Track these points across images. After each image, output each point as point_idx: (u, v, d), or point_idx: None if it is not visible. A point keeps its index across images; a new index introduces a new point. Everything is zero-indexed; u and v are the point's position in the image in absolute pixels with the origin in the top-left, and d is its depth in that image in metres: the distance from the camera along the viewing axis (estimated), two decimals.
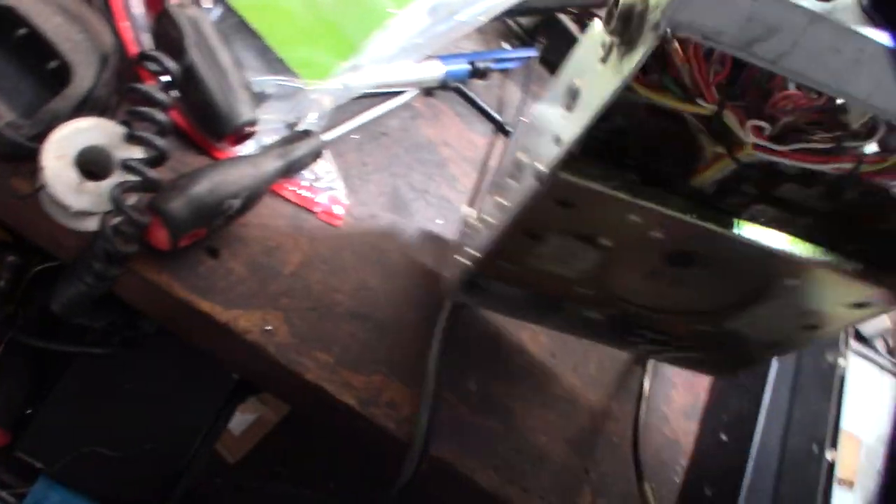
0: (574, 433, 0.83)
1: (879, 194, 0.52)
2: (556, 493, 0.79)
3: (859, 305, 0.58)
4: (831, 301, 0.58)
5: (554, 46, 1.00)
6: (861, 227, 0.54)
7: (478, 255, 0.63)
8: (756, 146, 0.48)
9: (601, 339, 0.78)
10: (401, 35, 0.80)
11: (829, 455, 0.85)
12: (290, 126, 0.80)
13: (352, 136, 0.86)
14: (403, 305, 0.80)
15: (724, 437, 0.87)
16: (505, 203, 0.59)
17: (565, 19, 1.01)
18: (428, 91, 0.92)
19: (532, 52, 0.99)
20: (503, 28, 1.04)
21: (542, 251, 0.59)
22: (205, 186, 0.64)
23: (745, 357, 0.74)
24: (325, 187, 0.81)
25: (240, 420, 1.12)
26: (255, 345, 0.70)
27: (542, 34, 1.01)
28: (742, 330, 0.66)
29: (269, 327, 0.72)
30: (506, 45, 1.02)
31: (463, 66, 0.90)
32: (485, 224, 0.65)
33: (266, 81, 0.78)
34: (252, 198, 0.70)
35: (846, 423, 0.87)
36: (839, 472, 0.85)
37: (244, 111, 0.72)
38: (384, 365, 0.76)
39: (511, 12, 0.96)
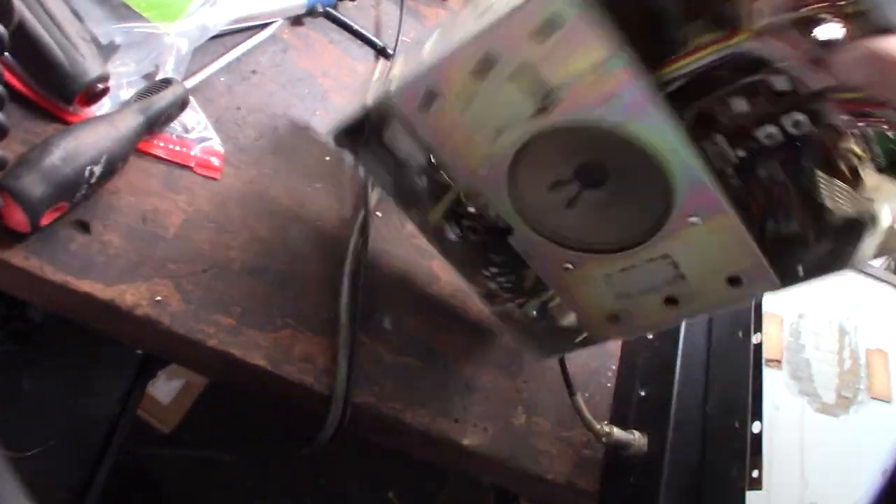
0: (499, 356, 0.87)
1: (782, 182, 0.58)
2: (489, 418, 0.84)
3: (732, 281, 0.62)
4: (708, 267, 0.62)
5: None
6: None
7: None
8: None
9: (450, 259, 0.78)
10: None
11: (754, 339, 0.91)
12: (148, 76, 0.80)
13: (220, 79, 0.85)
14: (302, 252, 0.82)
15: (650, 336, 0.93)
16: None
17: None
18: (296, 20, 0.92)
19: None
20: None
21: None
22: (58, 155, 0.63)
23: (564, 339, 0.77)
24: (198, 138, 0.82)
25: (167, 388, 1.13)
26: (148, 319, 0.71)
27: None
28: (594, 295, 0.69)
29: (159, 298, 0.73)
30: None
31: None
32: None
33: (112, 30, 0.77)
34: (115, 161, 0.69)
35: (767, 304, 0.93)
36: (766, 353, 0.91)
37: (91, 67, 0.71)
38: (291, 318, 0.78)
39: None
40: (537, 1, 0.52)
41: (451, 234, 0.75)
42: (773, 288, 0.62)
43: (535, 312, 0.77)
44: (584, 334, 0.74)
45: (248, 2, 0.83)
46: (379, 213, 0.88)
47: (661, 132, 0.55)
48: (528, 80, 0.56)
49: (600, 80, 0.54)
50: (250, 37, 0.87)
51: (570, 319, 0.75)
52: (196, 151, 0.80)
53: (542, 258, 0.68)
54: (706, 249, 0.61)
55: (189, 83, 0.79)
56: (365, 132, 0.70)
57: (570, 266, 0.67)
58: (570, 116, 0.57)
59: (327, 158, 0.88)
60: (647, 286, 0.65)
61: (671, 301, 0.66)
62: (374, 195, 0.86)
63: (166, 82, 0.77)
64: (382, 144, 0.72)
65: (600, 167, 0.61)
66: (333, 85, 0.92)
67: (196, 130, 0.81)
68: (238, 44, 0.86)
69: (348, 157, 0.80)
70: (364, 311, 0.81)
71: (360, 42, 0.97)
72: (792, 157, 0.58)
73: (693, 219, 0.59)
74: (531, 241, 0.67)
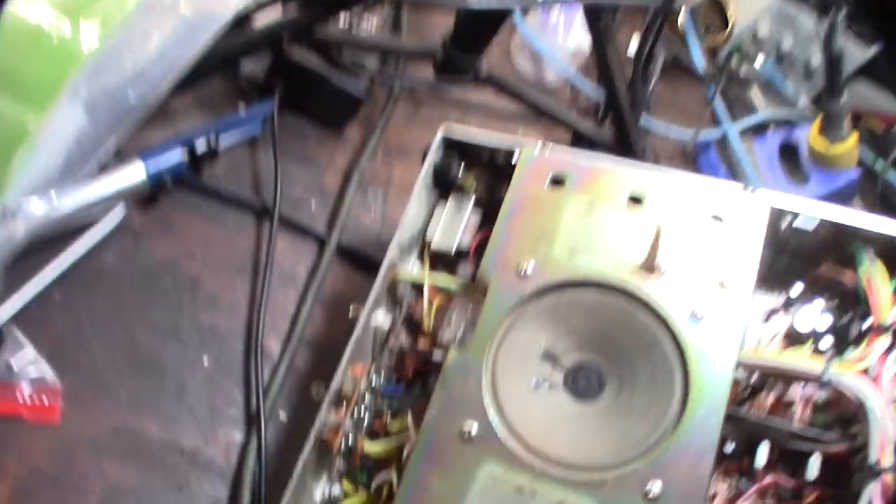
0: None
1: None
2: None
3: None
4: None
5: (291, 85, 0.89)
6: None
7: None
8: None
9: None
10: (57, 147, 0.68)
11: None
12: None
13: (52, 295, 0.73)
14: (173, 500, 0.69)
15: None
16: None
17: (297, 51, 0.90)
18: (146, 200, 0.79)
19: (268, 106, 0.88)
20: (232, 87, 0.92)
21: None
22: None
23: None
24: (25, 377, 0.69)
25: None
26: None
27: (276, 76, 0.90)
28: None
29: None
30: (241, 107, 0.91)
31: (173, 159, 0.78)
32: None
33: None
34: None
35: None
36: None
37: None
38: None
39: (228, 63, 0.85)
40: None
41: None
42: None
43: None
44: None
45: (65, 198, 0.72)
46: (283, 418, 0.74)
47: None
48: None
49: None
50: (86, 233, 0.75)
51: None
52: (25, 394, 0.67)
53: None
54: None
55: (5, 314, 0.67)
56: None
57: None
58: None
59: (205, 361, 0.75)
60: None
61: None
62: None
63: None
64: None
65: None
66: (203, 268, 0.81)
67: (21, 366, 0.69)
68: (71, 247, 0.74)
69: None
70: None
71: (233, 206, 0.85)
72: None
73: (653, 487, 0.54)
74: None
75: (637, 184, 0.67)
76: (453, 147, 0.75)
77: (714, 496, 0.59)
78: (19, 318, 0.73)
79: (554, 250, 0.65)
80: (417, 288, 0.72)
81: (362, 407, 0.66)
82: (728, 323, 0.59)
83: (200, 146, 0.84)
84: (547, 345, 0.63)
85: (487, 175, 0.75)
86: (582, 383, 0.61)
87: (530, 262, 0.64)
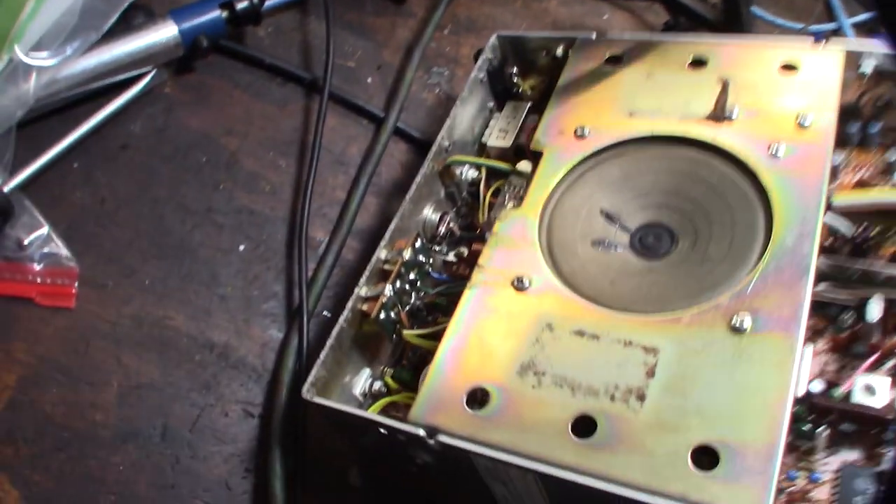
0: None
1: None
2: None
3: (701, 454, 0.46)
4: (696, 406, 0.48)
5: None
6: None
7: None
8: None
9: None
10: None
11: None
12: None
13: (72, 166, 0.65)
14: (209, 398, 0.61)
15: None
16: None
17: None
18: (181, 66, 0.71)
19: None
20: None
21: None
22: None
23: None
24: (38, 255, 0.62)
25: None
26: None
27: None
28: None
29: None
30: None
31: (212, 16, 0.68)
32: None
33: None
34: None
35: None
36: None
37: None
38: (196, 496, 0.60)
39: None
40: None
41: None
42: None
43: None
44: None
45: (88, 55, 0.63)
46: (327, 313, 0.65)
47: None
48: None
49: None
50: (114, 100, 0.67)
51: None
52: (38, 276, 0.60)
53: None
54: (717, 376, 0.47)
55: (15, 181, 0.60)
56: None
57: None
58: None
59: (241, 248, 0.66)
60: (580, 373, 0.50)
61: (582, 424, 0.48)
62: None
63: None
64: None
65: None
66: (244, 144, 0.72)
67: (35, 245, 0.62)
68: (95, 112, 0.66)
69: None
70: (314, 464, 0.61)
71: (279, 79, 0.75)
72: None
73: (744, 321, 0.48)
74: None
75: (699, 49, 0.64)
76: (508, 52, 0.72)
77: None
78: (34, 190, 0.66)
79: (613, 113, 0.63)
80: (472, 191, 0.67)
81: (406, 284, 0.59)
82: (810, 158, 0.55)
83: (241, 4, 0.73)
84: (609, 206, 0.59)
85: (543, 81, 0.71)
86: (650, 242, 0.57)
87: (587, 126, 0.62)
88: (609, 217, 0.59)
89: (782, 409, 0.45)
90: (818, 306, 0.54)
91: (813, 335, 0.55)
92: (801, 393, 0.49)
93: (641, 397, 0.47)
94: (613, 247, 0.58)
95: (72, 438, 0.58)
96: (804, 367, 0.49)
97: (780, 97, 0.59)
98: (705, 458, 0.44)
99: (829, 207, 0.54)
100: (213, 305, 0.65)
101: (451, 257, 0.64)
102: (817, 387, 0.50)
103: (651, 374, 0.48)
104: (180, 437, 0.60)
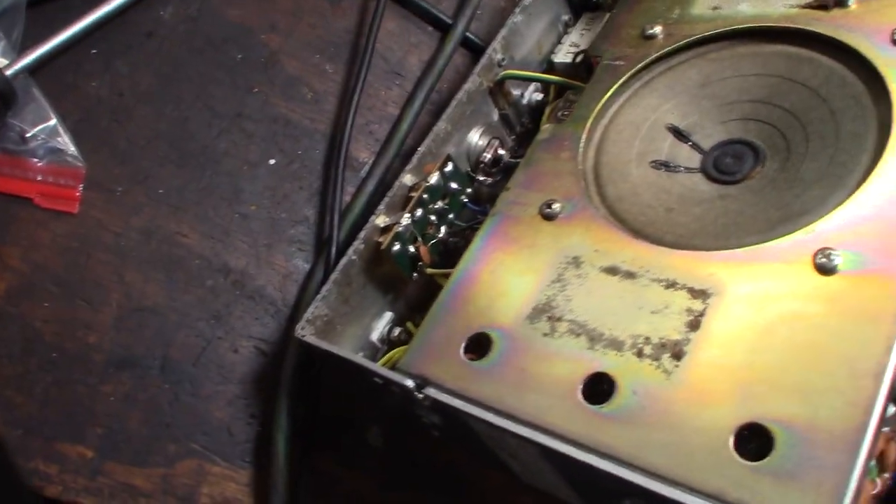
0: None
1: None
2: None
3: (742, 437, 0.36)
4: (755, 365, 0.38)
5: None
6: None
7: None
8: None
9: None
10: None
11: None
12: None
13: (90, 52, 0.59)
14: (216, 330, 0.55)
15: None
16: None
17: None
18: None
19: None
20: None
21: None
22: None
23: None
24: (43, 150, 0.55)
25: None
26: None
27: None
28: None
29: None
30: None
31: None
32: None
33: None
34: None
35: None
36: None
37: None
38: (193, 439, 0.54)
39: None
40: None
41: None
42: None
43: None
44: None
45: None
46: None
47: None
48: None
49: None
50: None
51: None
52: (39, 173, 0.54)
53: None
54: (788, 330, 0.37)
55: (21, 63, 0.53)
56: None
57: None
58: None
59: (272, 162, 0.59)
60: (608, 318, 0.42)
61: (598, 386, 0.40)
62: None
63: None
64: None
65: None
66: (286, 44, 0.64)
67: (39, 139, 0.55)
68: None
69: None
70: (331, 418, 0.55)
71: None
72: None
73: (834, 257, 0.38)
74: None
75: None
76: None
77: None
78: (44, 76, 0.59)
79: (693, 8, 0.53)
80: (537, 117, 0.59)
81: (430, 215, 0.52)
82: None
83: None
84: (679, 120, 0.51)
85: None
86: (727, 163, 0.48)
87: (658, 24, 0.53)
88: (678, 133, 0.50)
89: (877, 380, 0.34)
90: None
91: None
92: None
93: (678, 355, 0.38)
94: (679, 168, 0.49)
95: (61, 360, 0.53)
96: None
97: None
98: (755, 442, 0.34)
99: None
100: (234, 225, 0.58)
101: (502, 189, 0.56)
102: None
103: (695, 325, 0.39)
104: (181, 371, 0.54)
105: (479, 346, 0.42)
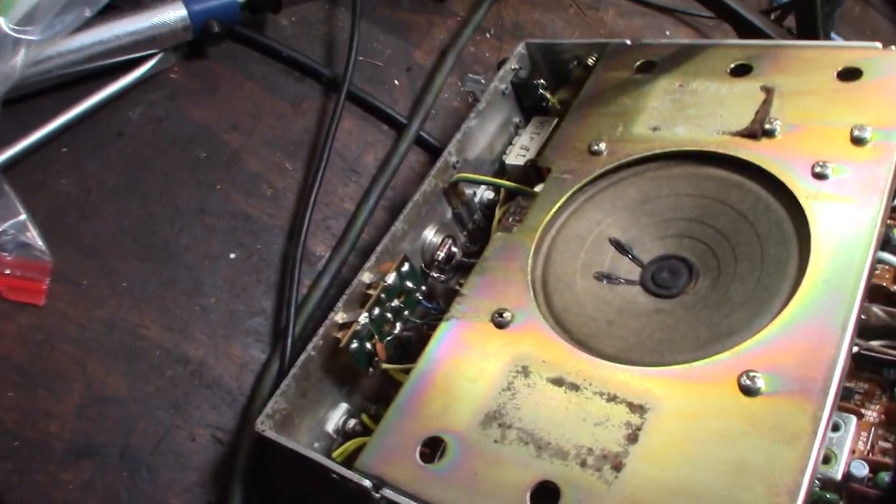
0: None
1: None
2: None
3: None
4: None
5: None
6: None
7: None
8: None
9: None
10: None
11: None
12: None
13: (61, 151, 0.62)
14: (166, 421, 0.58)
15: None
16: None
17: None
18: (193, 50, 0.68)
19: None
20: None
21: None
22: None
23: None
24: (10, 245, 0.59)
25: None
26: None
27: None
28: None
29: None
30: None
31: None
32: None
33: None
34: None
35: None
36: None
37: None
38: None
39: None
40: None
41: None
42: None
43: None
44: None
45: (85, 32, 0.60)
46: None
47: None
48: None
49: None
50: (113, 82, 0.63)
51: None
52: (7, 267, 0.58)
53: None
54: (715, 448, 0.41)
55: None
56: None
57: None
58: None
59: (232, 256, 0.62)
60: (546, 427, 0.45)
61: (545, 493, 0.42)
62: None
63: None
64: None
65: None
66: (248, 143, 0.69)
67: (8, 234, 0.59)
68: (91, 95, 0.63)
69: None
70: None
71: (297, 73, 0.71)
72: None
73: (757, 380, 0.42)
74: None
75: (745, 53, 0.59)
76: (538, 62, 0.68)
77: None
78: (15, 173, 0.61)
79: (635, 127, 0.58)
80: (488, 214, 0.64)
81: (387, 312, 0.55)
82: (866, 181, 0.48)
83: None
84: (620, 234, 0.55)
85: (574, 95, 0.65)
86: (664, 278, 0.53)
87: (603, 141, 0.57)
88: (620, 247, 0.54)
89: (791, 497, 0.37)
90: (870, 367, 0.47)
91: (862, 402, 0.48)
92: (838, 476, 0.42)
93: (618, 466, 0.41)
94: (620, 281, 0.52)
95: (22, 448, 0.54)
96: (845, 443, 0.43)
97: (834, 108, 0.53)
98: None
99: (886, 242, 0.48)
100: (193, 317, 0.61)
101: (454, 285, 0.60)
102: (860, 470, 0.43)
103: (633, 438, 0.42)
104: (140, 459, 0.56)
105: (433, 448, 0.46)
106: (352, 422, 0.55)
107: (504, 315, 0.50)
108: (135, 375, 0.59)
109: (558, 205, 0.56)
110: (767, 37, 0.81)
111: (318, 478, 0.52)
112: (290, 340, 0.59)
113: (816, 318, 0.43)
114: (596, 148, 0.57)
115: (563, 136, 0.60)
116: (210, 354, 0.60)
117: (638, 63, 0.62)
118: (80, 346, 0.59)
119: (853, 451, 0.44)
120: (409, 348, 0.57)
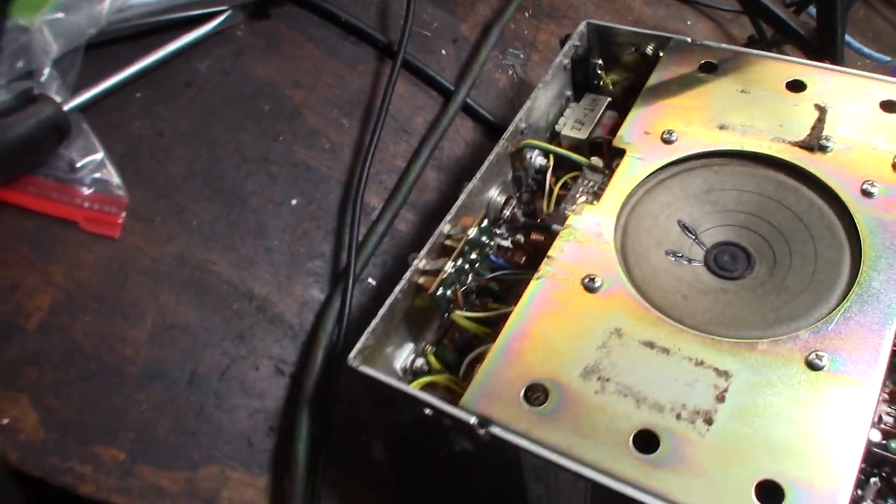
0: None
1: None
2: None
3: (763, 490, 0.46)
4: (759, 437, 0.48)
5: None
6: None
7: None
8: None
9: None
10: None
11: None
12: (22, 94, 0.60)
13: (135, 96, 0.66)
14: (240, 349, 0.61)
15: None
16: None
17: None
18: (256, 11, 0.71)
19: None
20: None
21: None
22: None
23: None
24: (89, 180, 0.62)
25: None
26: None
27: None
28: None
29: (5, 420, 0.55)
30: None
31: None
32: None
33: None
34: None
35: None
36: None
37: None
38: (216, 447, 0.59)
39: None
40: None
41: None
42: None
43: None
44: None
45: None
46: (371, 281, 0.65)
47: None
48: None
49: None
50: (184, 35, 0.67)
51: None
52: (86, 199, 0.60)
53: None
54: (789, 411, 0.47)
55: (76, 101, 0.60)
56: None
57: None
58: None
59: (294, 202, 0.66)
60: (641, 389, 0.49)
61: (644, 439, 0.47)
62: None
63: (31, 100, 0.58)
64: None
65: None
66: (309, 99, 0.72)
67: (87, 169, 0.62)
68: (164, 45, 0.66)
69: None
70: (338, 433, 0.61)
71: (353, 38, 0.75)
72: None
73: (823, 357, 0.48)
74: None
75: (798, 70, 0.65)
76: (595, 42, 0.72)
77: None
78: (93, 114, 0.65)
79: (702, 122, 0.63)
80: (537, 178, 0.68)
81: (465, 264, 0.59)
82: None
83: None
84: (687, 217, 0.59)
85: (627, 78, 0.72)
86: (725, 261, 0.57)
87: (675, 132, 0.62)
88: (686, 229, 0.59)
89: (854, 455, 0.44)
90: None
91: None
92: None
93: (709, 421, 0.46)
94: (688, 260, 0.57)
95: (98, 370, 0.58)
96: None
97: (878, 135, 0.59)
98: (769, 494, 0.43)
99: None
100: (258, 256, 0.65)
101: (506, 243, 0.63)
102: (874, 436, 0.49)
103: (721, 398, 0.47)
104: (207, 385, 0.60)
105: (535, 394, 0.49)
106: (419, 361, 0.58)
107: (595, 281, 0.53)
108: (203, 307, 0.62)
109: (634, 185, 0.60)
110: (791, 29, 0.85)
111: (384, 410, 0.55)
112: (351, 280, 0.63)
113: (870, 312, 0.49)
114: (668, 137, 0.61)
115: (637, 120, 0.64)
116: (273, 292, 0.64)
117: (701, 62, 0.66)
118: (153, 277, 0.62)
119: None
120: (471, 299, 0.60)
